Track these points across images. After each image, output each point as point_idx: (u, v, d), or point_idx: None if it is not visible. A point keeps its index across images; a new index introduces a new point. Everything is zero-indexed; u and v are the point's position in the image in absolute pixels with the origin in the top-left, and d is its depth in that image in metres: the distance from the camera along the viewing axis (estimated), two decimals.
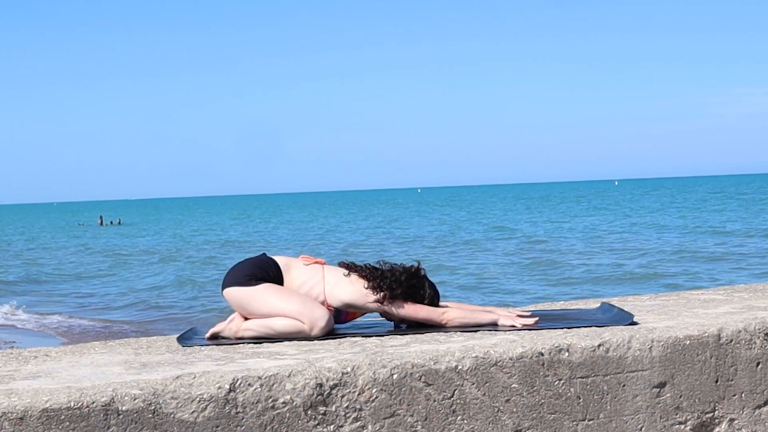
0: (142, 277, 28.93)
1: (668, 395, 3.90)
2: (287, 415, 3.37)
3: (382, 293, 4.24)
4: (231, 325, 4.21)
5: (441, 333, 4.11)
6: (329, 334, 4.13)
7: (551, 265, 25.99)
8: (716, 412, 4.00)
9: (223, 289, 4.28)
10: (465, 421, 3.60)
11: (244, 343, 4.06)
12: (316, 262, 4.38)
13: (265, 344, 4.01)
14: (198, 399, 3.26)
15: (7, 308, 21.10)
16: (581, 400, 3.77)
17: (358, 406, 3.47)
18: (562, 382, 3.74)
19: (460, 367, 3.61)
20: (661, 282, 20.87)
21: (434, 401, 3.57)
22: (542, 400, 3.71)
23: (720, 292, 5.24)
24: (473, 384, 3.62)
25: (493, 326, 4.21)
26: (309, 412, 3.40)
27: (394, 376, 3.52)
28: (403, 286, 4.28)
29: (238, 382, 3.33)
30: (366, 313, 4.42)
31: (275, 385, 3.37)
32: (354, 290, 4.27)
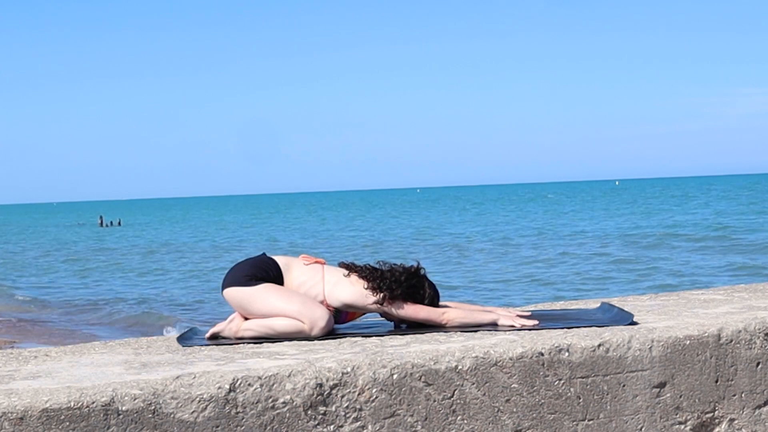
0: None
1: (668, 395, 3.90)
2: (287, 415, 3.37)
3: (381, 294, 4.24)
4: (231, 325, 4.21)
5: (441, 333, 4.11)
6: (329, 334, 4.13)
7: None
8: (716, 412, 4.00)
9: (223, 289, 4.28)
10: (465, 421, 3.60)
11: (244, 343, 4.05)
12: (316, 262, 4.38)
13: (265, 344, 4.01)
14: (198, 399, 3.26)
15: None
16: (581, 400, 3.77)
17: (358, 406, 3.47)
18: (562, 382, 3.74)
19: (460, 367, 3.61)
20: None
21: (434, 401, 3.57)
22: (542, 400, 3.71)
23: (720, 292, 5.24)
24: (473, 384, 3.62)
25: (493, 326, 4.21)
26: (309, 412, 3.40)
27: (394, 376, 3.52)
28: (403, 286, 4.28)
29: (238, 382, 3.33)
30: (366, 313, 4.42)
31: (275, 385, 3.37)
32: (354, 291, 4.26)
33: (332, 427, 3.43)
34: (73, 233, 67.76)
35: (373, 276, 4.28)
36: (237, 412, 3.30)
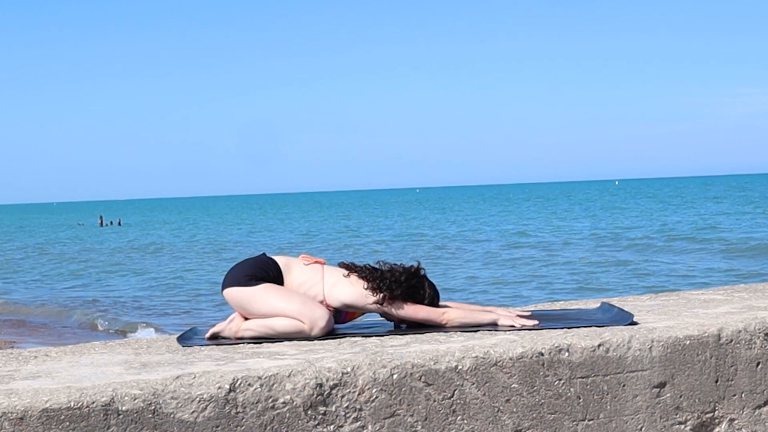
0: None
1: (668, 395, 3.90)
2: (287, 415, 3.37)
3: (381, 294, 4.24)
4: (231, 325, 4.21)
5: (441, 333, 4.11)
6: (329, 334, 4.13)
7: None
8: (716, 412, 4.00)
9: (223, 289, 4.28)
10: (465, 421, 3.60)
11: (244, 343, 4.05)
12: (316, 262, 4.38)
13: (265, 344, 4.01)
14: (198, 399, 3.26)
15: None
16: (581, 400, 3.77)
17: (358, 406, 3.47)
18: (562, 382, 3.74)
19: (460, 367, 3.61)
20: None
21: (434, 401, 3.57)
22: (542, 400, 3.71)
23: (720, 292, 5.24)
24: (473, 384, 3.62)
25: (493, 326, 4.21)
26: (309, 412, 3.40)
27: (394, 376, 3.52)
28: (403, 286, 4.28)
29: (238, 382, 3.32)
30: (365, 313, 4.42)
31: (275, 385, 3.37)
32: (354, 291, 4.26)
33: (332, 427, 3.43)
34: (71, 233, 67.76)
35: (373, 276, 4.28)
36: (237, 412, 3.30)
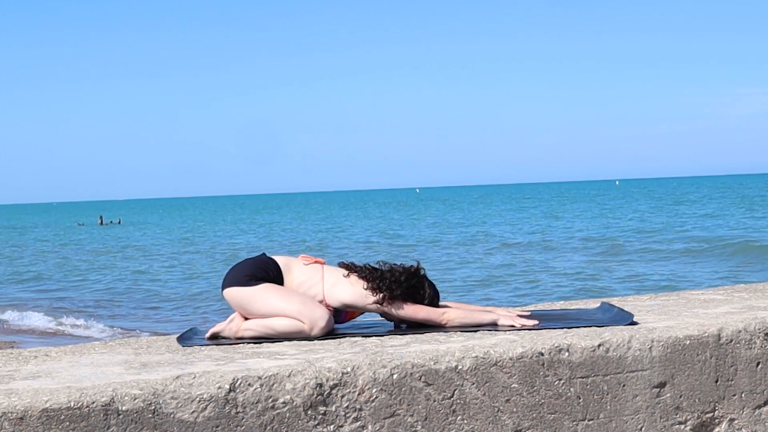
0: None
1: (668, 395, 3.90)
2: (287, 415, 3.37)
3: (381, 294, 4.24)
4: (231, 325, 4.21)
5: (441, 333, 4.11)
6: (329, 334, 4.13)
7: None
8: (716, 412, 4.00)
9: (223, 289, 4.28)
10: (465, 421, 3.60)
11: (244, 343, 4.05)
12: (315, 262, 4.38)
13: (265, 344, 4.01)
14: (198, 399, 3.26)
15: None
16: (581, 400, 3.77)
17: (358, 406, 3.47)
18: (562, 382, 3.74)
19: (460, 367, 3.61)
20: None
21: (434, 401, 3.57)
22: (542, 400, 3.71)
23: (720, 292, 5.24)
24: (473, 384, 3.62)
25: (493, 326, 4.21)
26: (309, 412, 3.40)
27: (394, 376, 3.52)
28: (403, 286, 4.28)
29: (238, 382, 3.33)
30: (365, 312, 4.42)
31: (275, 385, 3.37)
32: (353, 291, 4.26)
33: (332, 427, 3.43)
34: (71, 233, 67.79)
35: (372, 276, 4.28)
36: (237, 412, 3.30)
